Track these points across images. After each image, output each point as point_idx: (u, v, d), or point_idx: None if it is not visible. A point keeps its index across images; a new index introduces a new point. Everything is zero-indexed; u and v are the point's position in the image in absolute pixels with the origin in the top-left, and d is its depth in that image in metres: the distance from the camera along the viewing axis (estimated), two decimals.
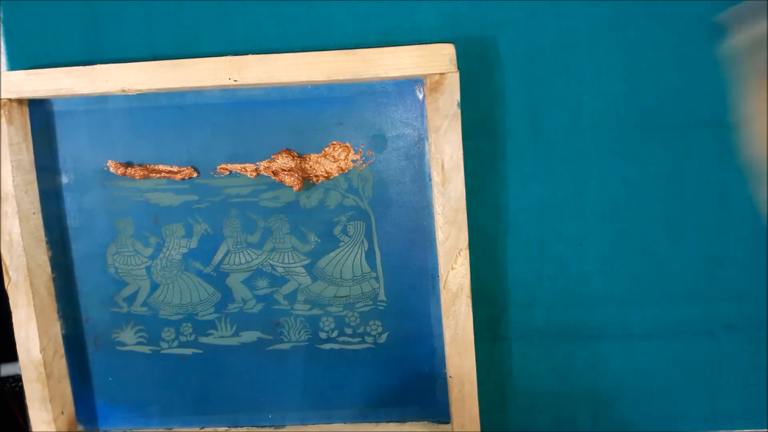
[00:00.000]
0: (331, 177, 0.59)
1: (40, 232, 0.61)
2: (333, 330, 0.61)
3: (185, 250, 0.61)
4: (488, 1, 0.55)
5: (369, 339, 0.61)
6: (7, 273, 0.59)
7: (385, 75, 0.54)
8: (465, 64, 0.56)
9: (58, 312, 0.63)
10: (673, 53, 0.56)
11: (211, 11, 0.57)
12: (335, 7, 0.56)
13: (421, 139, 0.57)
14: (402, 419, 0.62)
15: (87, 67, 0.56)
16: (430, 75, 0.54)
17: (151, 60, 0.57)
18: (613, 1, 0.55)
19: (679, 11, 0.55)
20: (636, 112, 0.56)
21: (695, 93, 0.56)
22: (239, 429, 0.63)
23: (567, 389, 0.62)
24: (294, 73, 0.55)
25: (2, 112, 0.57)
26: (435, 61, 0.54)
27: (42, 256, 0.61)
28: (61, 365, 0.63)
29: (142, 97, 0.58)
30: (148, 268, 0.62)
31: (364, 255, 0.60)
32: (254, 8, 0.57)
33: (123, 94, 0.57)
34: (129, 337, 0.63)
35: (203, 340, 0.62)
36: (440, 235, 0.56)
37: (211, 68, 0.55)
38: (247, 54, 0.55)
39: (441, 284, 0.57)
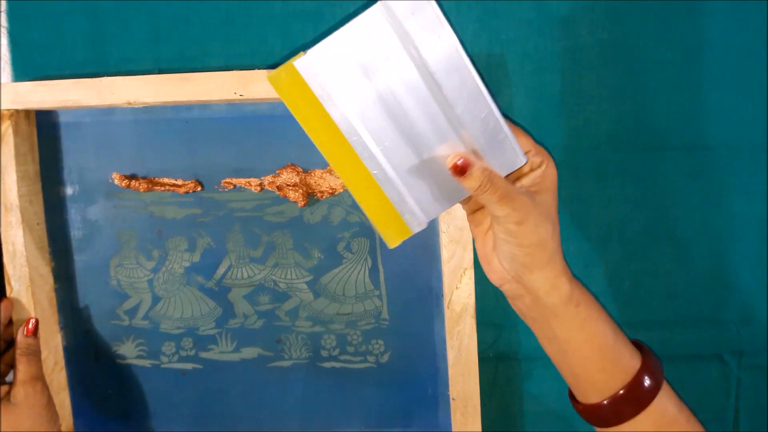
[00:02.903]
0: (336, 193, 0.58)
1: (44, 242, 0.61)
2: (335, 348, 0.60)
3: (188, 264, 0.60)
4: (495, 20, 0.55)
5: (371, 358, 0.60)
6: (9, 283, 0.59)
7: None
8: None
9: (59, 323, 0.62)
10: (680, 74, 0.55)
11: (218, 25, 0.57)
12: (342, 22, 0.56)
13: None
14: None
15: (94, 79, 0.56)
16: None
17: (157, 73, 0.57)
18: (621, 22, 0.54)
19: (687, 33, 0.54)
20: (643, 133, 0.56)
21: (703, 114, 0.56)
22: None
23: (571, 412, 0.61)
24: None
25: (9, 122, 0.57)
26: None
27: (45, 267, 0.61)
28: (61, 377, 0.62)
29: (149, 109, 0.58)
30: (150, 281, 0.61)
31: (367, 272, 0.59)
32: (261, 23, 0.57)
33: (129, 106, 0.57)
34: (129, 351, 0.63)
35: (203, 355, 0.62)
36: (445, 253, 0.56)
37: (217, 82, 0.55)
38: (254, 68, 0.55)
39: (445, 304, 0.56)
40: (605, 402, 0.45)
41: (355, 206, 0.58)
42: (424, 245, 0.58)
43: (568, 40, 0.55)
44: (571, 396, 0.50)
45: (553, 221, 0.45)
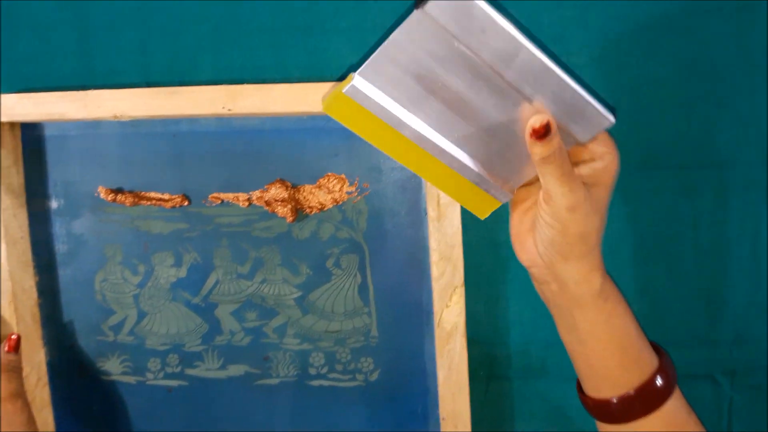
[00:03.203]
0: (325, 208, 0.57)
1: (28, 256, 0.60)
2: (323, 366, 0.60)
3: (174, 280, 0.60)
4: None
5: (360, 376, 0.60)
6: None
7: None
8: None
9: (42, 338, 0.61)
10: (673, 92, 0.55)
11: (208, 38, 0.56)
12: (333, 37, 0.55)
13: None
14: None
15: (80, 92, 0.55)
16: None
17: (145, 86, 0.56)
18: (615, 40, 0.54)
19: (680, 51, 0.54)
20: (637, 153, 0.55)
21: (697, 134, 0.55)
22: None
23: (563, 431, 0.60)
24: (290, 103, 0.54)
25: None
26: None
27: (28, 281, 0.60)
28: (44, 393, 0.61)
29: (136, 123, 0.57)
30: (135, 297, 0.60)
31: (357, 289, 0.58)
32: (251, 37, 0.56)
33: (116, 120, 0.56)
34: (114, 367, 0.62)
35: (189, 372, 0.61)
36: (435, 271, 0.55)
37: (205, 97, 0.54)
38: (243, 83, 0.55)
39: (435, 322, 0.56)
40: (616, 399, 0.44)
41: (344, 222, 0.58)
42: (415, 261, 0.57)
43: (561, 58, 0.54)
44: (580, 390, 0.49)
45: (602, 217, 0.43)
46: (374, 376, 0.59)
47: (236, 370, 0.60)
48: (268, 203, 0.57)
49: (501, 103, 0.40)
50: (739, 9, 0.53)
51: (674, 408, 0.45)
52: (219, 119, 0.57)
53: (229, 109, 0.54)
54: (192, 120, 0.57)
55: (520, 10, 0.53)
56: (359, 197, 0.57)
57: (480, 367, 0.59)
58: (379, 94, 0.40)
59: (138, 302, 0.60)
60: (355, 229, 0.58)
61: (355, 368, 0.59)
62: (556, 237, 0.42)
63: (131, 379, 0.62)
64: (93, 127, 0.58)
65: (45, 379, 0.61)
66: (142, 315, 0.61)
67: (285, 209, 0.57)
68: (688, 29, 0.53)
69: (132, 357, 0.61)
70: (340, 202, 0.57)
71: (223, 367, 0.61)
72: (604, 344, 0.44)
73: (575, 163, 0.43)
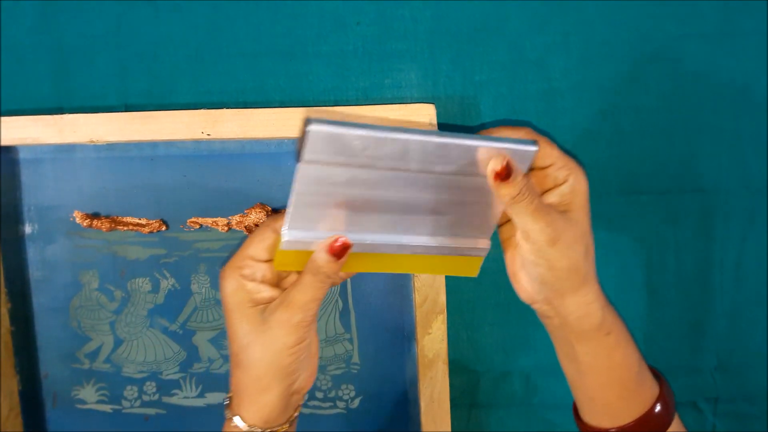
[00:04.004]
0: None
1: (0, 283, 0.58)
2: None
3: (151, 306, 0.58)
4: (469, 61, 0.54)
5: (341, 404, 0.59)
6: None
7: None
8: (445, 122, 0.55)
9: (15, 367, 0.60)
10: (655, 118, 0.55)
11: (187, 61, 0.55)
12: (314, 61, 0.55)
13: None
14: None
15: (55, 116, 0.54)
16: None
17: (123, 109, 0.55)
18: (596, 62, 0.54)
19: (661, 77, 0.54)
20: (617, 177, 0.55)
21: (678, 159, 0.55)
22: None
23: None
24: (270, 128, 0.53)
25: None
26: (414, 120, 0.52)
27: (1, 309, 0.58)
28: (17, 424, 0.59)
29: (112, 147, 0.56)
30: (112, 323, 0.59)
31: (338, 315, 0.58)
32: (231, 60, 0.55)
33: (92, 144, 0.55)
34: (90, 395, 0.60)
35: (167, 400, 0.60)
36: (417, 297, 0.54)
37: (184, 121, 0.53)
38: (223, 107, 0.54)
39: (417, 349, 0.55)
40: (615, 429, 0.44)
41: None
42: (397, 287, 0.57)
43: (542, 83, 0.54)
44: (577, 416, 0.48)
45: (587, 242, 0.42)
46: (355, 404, 0.59)
47: (215, 398, 0.59)
48: (248, 228, 0.56)
49: (427, 186, 0.41)
50: (721, 35, 0.53)
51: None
52: (197, 143, 0.56)
53: (209, 134, 0.53)
54: (169, 144, 0.56)
55: (501, 36, 0.53)
56: None
57: (462, 395, 0.59)
58: (314, 233, 0.42)
59: (114, 329, 0.59)
60: None
61: (336, 396, 0.59)
62: (545, 274, 0.41)
63: (107, 408, 0.60)
64: (68, 151, 0.57)
65: (17, 408, 0.60)
66: (118, 342, 0.59)
67: None
68: (669, 56, 0.54)
69: (108, 385, 0.60)
70: None
71: (201, 395, 0.59)
72: (604, 378, 0.44)
73: (542, 193, 0.42)
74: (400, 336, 0.57)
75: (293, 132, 0.53)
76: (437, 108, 0.52)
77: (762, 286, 0.57)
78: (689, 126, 0.55)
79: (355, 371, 0.58)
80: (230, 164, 0.56)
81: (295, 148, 0.38)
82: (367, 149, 0.38)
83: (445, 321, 0.54)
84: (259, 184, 0.56)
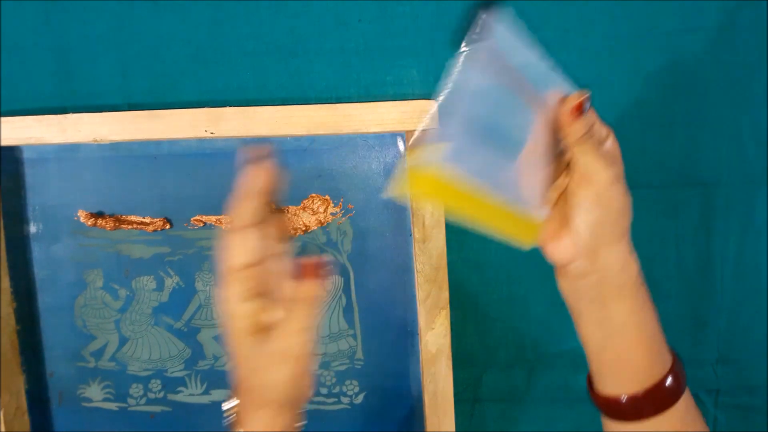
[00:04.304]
0: (310, 230, 0.57)
1: (6, 282, 0.59)
2: None
3: (156, 304, 0.59)
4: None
5: (345, 399, 0.59)
6: None
7: (365, 130, 0.53)
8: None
9: (21, 366, 0.60)
10: (655, 112, 0.55)
11: (189, 60, 0.56)
12: (316, 59, 0.55)
13: None
14: None
15: (59, 116, 0.54)
16: (410, 131, 0.53)
17: (126, 108, 0.56)
18: (597, 59, 0.54)
19: (662, 71, 0.54)
20: None
21: (678, 153, 0.56)
22: None
23: None
24: (273, 126, 0.53)
25: None
26: (416, 117, 0.53)
27: (6, 308, 0.59)
28: (23, 422, 0.60)
29: (115, 146, 0.57)
30: (117, 322, 0.59)
31: (341, 311, 0.58)
32: (233, 58, 0.56)
33: (95, 143, 0.55)
34: (95, 393, 0.61)
35: (172, 397, 0.60)
36: (420, 293, 0.55)
37: (187, 120, 0.54)
38: (225, 105, 0.54)
39: (420, 344, 0.55)
40: (626, 397, 0.43)
41: (329, 243, 0.57)
42: (400, 283, 0.57)
43: None
44: (591, 389, 0.47)
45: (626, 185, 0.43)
46: (359, 399, 0.59)
47: (220, 395, 0.60)
48: None
49: (528, 122, 0.41)
50: (721, 29, 0.53)
51: (685, 406, 0.44)
52: (200, 141, 0.56)
53: (212, 132, 0.54)
54: (173, 142, 0.56)
55: None
56: (344, 218, 0.57)
57: (466, 389, 0.59)
58: (454, 158, 0.39)
59: (119, 327, 0.60)
60: (339, 251, 0.57)
61: (340, 391, 0.59)
62: (601, 217, 0.41)
63: (113, 406, 0.61)
64: (72, 150, 0.57)
65: (24, 407, 0.60)
66: (123, 340, 0.60)
67: None
68: (670, 50, 0.54)
69: (114, 383, 0.60)
70: (325, 224, 0.57)
71: (206, 392, 0.60)
72: (635, 335, 0.43)
73: None
74: (404, 332, 0.57)
75: (296, 129, 0.53)
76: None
77: (762, 279, 0.57)
78: (689, 120, 0.55)
79: (359, 367, 0.59)
80: (233, 162, 0.56)
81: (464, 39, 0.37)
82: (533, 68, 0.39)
83: (448, 317, 0.55)
84: None
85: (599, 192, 0.41)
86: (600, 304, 0.44)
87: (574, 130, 0.40)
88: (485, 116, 0.39)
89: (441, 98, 0.37)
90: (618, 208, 0.41)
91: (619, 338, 0.44)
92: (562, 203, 0.44)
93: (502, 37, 0.37)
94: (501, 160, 0.41)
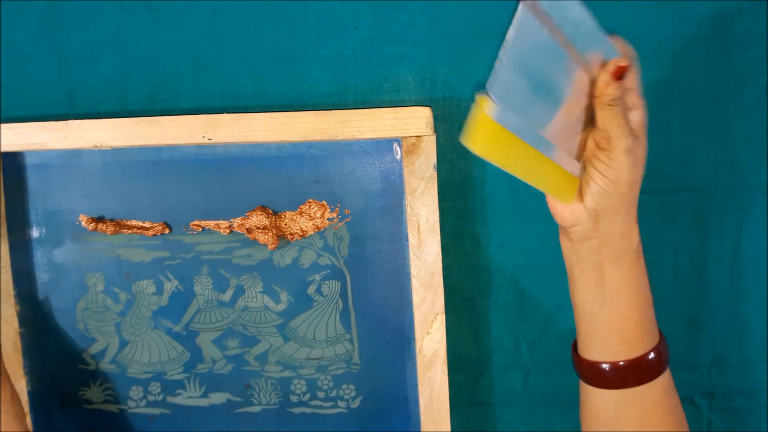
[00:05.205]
0: (307, 235, 0.58)
1: (9, 286, 0.60)
2: (305, 393, 0.60)
3: (155, 308, 0.59)
4: (466, 64, 0.55)
5: (342, 403, 0.59)
6: None
7: (361, 136, 0.54)
8: (443, 124, 0.56)
9: (24, 368, 0.61)
10: (651, 118, 0.55)
11: (188, 67, 0.57)
12: (314, 66, 0.56)
13: (399, 198, 0.56)
14: None
15: (60, 122, 0.55)
16: (406, 137, 0.54)
17: (125, 114, 0.57)
18: None
19: (657, 76, 0.55)
20: None
21: (674, 158, 0.56)
22: None
23: None
24: (270, 132, 0.54)
25: None
26: (412, 123, 0.53)
27: (9, 311, 0.60)
28: (26, 423, 0.61)
29: (116, 152, 0.57)
30: (117, 325, 0.60)
31: (338, 316, 0.59)
32: (231, 65, 0.56)
33: (96, 149, 0.56)
34: (96, 395, 0.61)
35: (171, 400, 0.61)
36: (416, 298, 0.55)
37: (186, 126, 0.54)
38: (223, 111, 0.55)
39: (416, 349, 0.56)
40: (610, 365, 0.45)
41: (326, 248, 0.58)
42: (397, 287, 0.57)
43: None
44: (575, 353, 0.49)
45: (643, 169, 0.44)
46: (356, 403, 0.59)
47: (218, 398, 0.60)
48: (249, 230, 0.57)
49: (575, 80, 0.41)
50: (715, 36, 0.53)
51: (667, 380, 0.46)
52: (199, 147, 0.57)
53: (210, 138, 0.54)
54: (173, 148, 0.57)
55: (498, 39, 0.54)
56: (340, 224, 0.57)
57: (461, 393, 0.60)
58: (512, 108, 0.39)
59: (120, 330, 0.60)
60: (336, 256, 0.58)
61: (337, 395, 0.59)
62: (608, 186, 0.42)
63: (113, 408, 0.61)
64: (74, 156, 0.58)
65: (26, 408, 0.61)
66: (123, 343, 0.60)
67: (266, 236, 0.57)
68: (664, 56, 0.54)
69: (114, 385, 0.61)
70: (322, 229, 0.58)
71: (204, 395, 0.60)
72: (630, 302, 0.45)
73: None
74: (400, 336, 0.58)
75: (293, 135, 0.54)
76: (434, 111, 0.53)
77: (757, 283, 0.57)
78: (684, 126, 0.55)
79: (356, 371, 0.59)
80: (231, 168, 0.57)
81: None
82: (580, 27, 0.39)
83: (444, 321, 0.55)
84: (260, 187, 0.57)
85: (614, 159, 0.42)
86: (598, 269, 0.45)
87: (606, 92, 0.41)
88: (539, 69, 0.39)
89: (505, 48, 0.37)
90: (627, 180, 0.42)
91: (613, 305, 0.45)
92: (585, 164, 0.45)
93: None
94: (547, 115, 0.42)
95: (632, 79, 0.43)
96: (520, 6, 0.37)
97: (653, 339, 0.46)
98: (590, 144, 0.44)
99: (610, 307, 0.45)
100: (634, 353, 0.45)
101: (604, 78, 0.42)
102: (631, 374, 0.45)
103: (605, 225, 0.44)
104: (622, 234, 0.44)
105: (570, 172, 0.45)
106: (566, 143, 0.44)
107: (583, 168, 0.45)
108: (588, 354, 0.47)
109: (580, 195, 0.44)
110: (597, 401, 0.47)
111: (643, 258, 0.45)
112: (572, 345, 0.49)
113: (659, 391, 0.46)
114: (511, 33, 0.37)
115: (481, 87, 0.38)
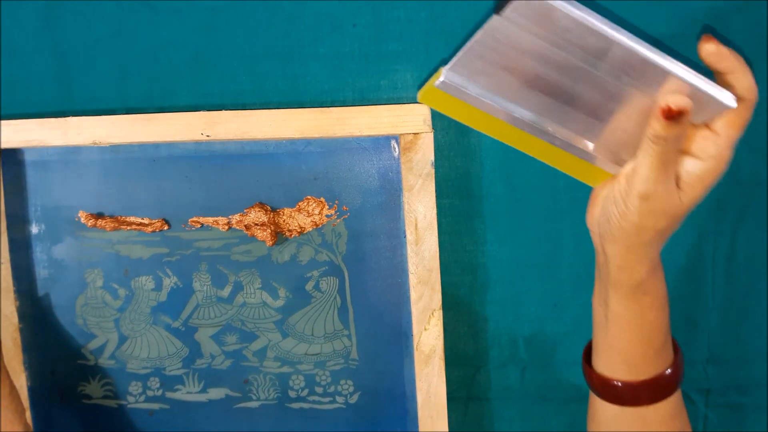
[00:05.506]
0: (305, 232, 0.58)
1: (9, 282, 0.60)
2: (303, 389, 0.60)
3: (154, 304, 0.60)
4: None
5: (340, 399, 0.60)
6: None
7: (359, 133, 0.54)
8: (441, 122, 0.56)
9: (23, 363, 0.61)
10: None
11: (186, 64, 0.57)
12: (312, 63, 0.56)
13: (396, 195, 0.57)
14: None
15: (59, 119, 0.55)
16: (404, 134, 0.54)
17: (124, 111, 0.57)
18: None
19: None
20: None
21: None
22: None
23: None
24: (268, 129, 0.54)
25: None
26: (409, 121, 0.53)
27: (9, 307, 0.60)
28: (26, 418, 0.61)
29: (115, 148, 0.58)
30: (116, 321, 0.61)
31: (336, 312, 0.59)
32: (230, 62, 0.56)
33: (95, 146, 0.56)
34: (96, 391, 0.62)
35: (170, 395, 0.61)
36: (413, 295, 0.56)
37: (184, 123, 0.55)
38: (222, 108, 0.55)
39: (414, 345, 0.56)
40: (622, 383, 0.44)
41: (324, 245, 0.58)
42: (395, 284, 0.58)
43: None
44: (586, 361, 0.47)
45: (673, 222, 0.40)
46: (354, 399, 0.60)
47: (217, 393, 0.61)
48: (247, 227, 0.57)
49: (599, 87, 0.38)
50: (714, 33, 0.53)
51: (675, 400, 0.45)
52: (198, 143, 0.57)
53: (208, 135, 0.55)
54: (171, 145, 0.57)
55: None
56: (339, 220, 0.58)
57: (459, 388, 0.60)
58: (470, 85, 0.40)
59: (119, 326, 0.61)
60: (334, 252, 0.58)
61: (335, 391, 0.60)
62: (614, 217, 0.40)
63: (113, 403, 0.62)
64: (73, 152, 0.58)
65: (26, 403, 0.61)
66: (123, 339, 0.61)
67: (264, 233, 0.57)
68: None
69: (113, 381, 0.62)
70: (320, 225, 0.58)
71: (203, 390, 0.61)
72: (631, 332, 0.43)
73: (681, 152, 0.39)
74: (398, 332, 0.58)
75: (291, 132, 0.54)
76: (432, 109, 0.53)
77: (753, 280, 0.57)
78: None
79: (354, 367, 0.59)
80: (230, 165, 0.57)
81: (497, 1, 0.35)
82: (569, 32, 0.35)
83: (441, 318, 0.55)
84: (259, 184, 0.57)
85: (628, 195, 0.39)
86: (603, 286, 0.44)
87: (654, 127, 0.36)
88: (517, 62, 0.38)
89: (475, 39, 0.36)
90: (634, 223, 0.39)
91: (615, 328, 0.44)
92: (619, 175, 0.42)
93: None
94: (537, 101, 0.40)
95: (724, 127, 0.38)
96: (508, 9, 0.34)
97: (662, 363, 0.44)
98: (626, 166, 0.41)
99: (614, 328, 0.44)
100: (635, 376, 0.43)
101: (655, 110, 0.36)
102: (629, 395, 0.44)
103: (606, 248, 0.42)
104: (620, 266, 0.41)
105: (594, 164, 0.43)
106: (604, 142, 0.42)
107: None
108: (595, 363, 0.47)
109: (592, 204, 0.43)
110: (599, 408, 0.47)
111: (655, 293, 0.43)
112: (584, 351, 0.49)
113: (664, 412, 0.45)
114: (484, 28, 0.36)
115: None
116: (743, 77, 0.37)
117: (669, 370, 0.44)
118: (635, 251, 0.40)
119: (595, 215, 0.43)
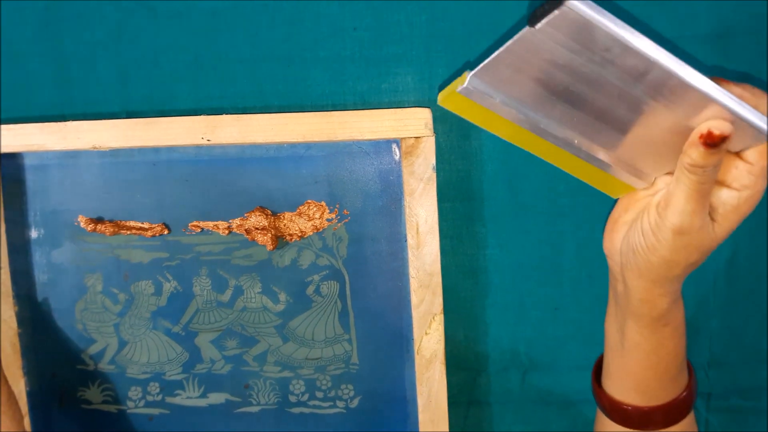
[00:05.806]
0: (305, 236, 0.58)
1: (8, 286, 0.60)
2: (303, 393, 0.60)
3: (154, 308, 0.60)
4: (465, 64, 0.55)
5: (340, 403, 0.60)
6: None
7: (360, 137, 0.54)
8: (443, 125, 0.56)
9: (22, 368, 0.61)
10: None
11: (187, 68, 0.57)
12: (312, 67, 0.56)
13: (397, 199, 0.57)
14: None
15: (59, 123, 0.55)
16: (405, 138, 0.54)
17: (124, 116, 0.57)
18: None
19: None
20: None
21: None
22: None
23: None
24: (269, 133, 0.54)
25: None
26: (411, 124, 0.53)
27: (8, 311, 0.60)
28: (25, 423, 0.61)
29: (115, 153, 0.57)
30: (116, 326, 0.60)
31: (337, 316, 0.59)
32: (230, 66, 0.56)
33: (95, 150, 0.56)
34: (95, 396, 0.62)
35: (170, 400, 0.61)
36: (414, 299, 0.55)
37: (184, 127, 0.54)
38: (222, 112, 0.55)
39: (415, 349, 0.56)
40: (633, 407, 0.43)
41: (325, 249, 0.58)
42: (396, 288, 0.58)
43: None
44: (596, 382, 0.46)
45: (702, 256, 0.38)
46: (355, 403, 0.60)
47: (217, 398, 0.60)
48: (248, 231, 0.57)
49: (631, 104, 0.37)
50: (715, 37, 0.53)
51: (688, 423, 0.44)
52: (198, 147, 0.57)
53: (208, 140, 0.54)
54: (171, 149, 0.57)
55: (497, 39, 0.54)
56: (339, 224, 0.57)
57: (460, 392, 0.60)
58: (494, 92, 0.39)
59: (118, 331, 0.60)
60: (335, 257, 0.58)
61: (335, 395, 0.60)
62: (641, 249, 0.38)
63: (112, 408, 0.62)
64: (73, 156, 0.58)
65: (25, 409, 0.61)
66: (122, 344, 0.61)
67: (265, 237, 0.57)
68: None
69: (113, 386, 0.61)
70: (321, 230, 0.58)
71: (203, 395, 0.61)
72: (647, 361, 0.42)
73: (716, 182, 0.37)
74: (399, 336, 0.58)
75: (292, 136, 0.54)
76: (433, 112, 0.53)
77: (755, 283, 0.57)
78: None
79: (354, 371, 0.59)
80: (230, 169, 0.57)
81: (534, 10, 0.33)
82: (609, 51, 0.33)
83: (442, 322, 0.55)
84: (259, 188, 0.57)
85: (660, 228, 0.37)
86: (622, 315, 0.42)
87: (690, 155, 0.34)
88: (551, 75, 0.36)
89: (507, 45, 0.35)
90: (664, 257, 0.37)
91: (632, 356, 0.42)
92: (647, 201, 0.41)
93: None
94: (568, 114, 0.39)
95: (757, 156, 0.35)
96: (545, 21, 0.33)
97: (677, 388, 0.43)
98: (657, 196, 0.39)
99: (631, 356, 0.42)
100: (652, 402, 0.43)
101: (693, 137, 0.34)
102: (641, 419, 0.43)
103: (628, 280, 0.40)
104: (642, 299, 0.39)
105: (619, 178, 0.42)
106: (631, 158, 0.41)
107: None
108: (606, 385, 0.46)
109: (624, 237, 0.40)
110: (608, 426, 0.46)
111: (675, 324, 0.41)
112: (593, 371, 0.48)
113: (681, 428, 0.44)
114: (518, 37, 0.34)
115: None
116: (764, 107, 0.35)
117: (684, 393, 0.44)
118: (661, 285, 0.39)
119: (616, 243, 0.41)
